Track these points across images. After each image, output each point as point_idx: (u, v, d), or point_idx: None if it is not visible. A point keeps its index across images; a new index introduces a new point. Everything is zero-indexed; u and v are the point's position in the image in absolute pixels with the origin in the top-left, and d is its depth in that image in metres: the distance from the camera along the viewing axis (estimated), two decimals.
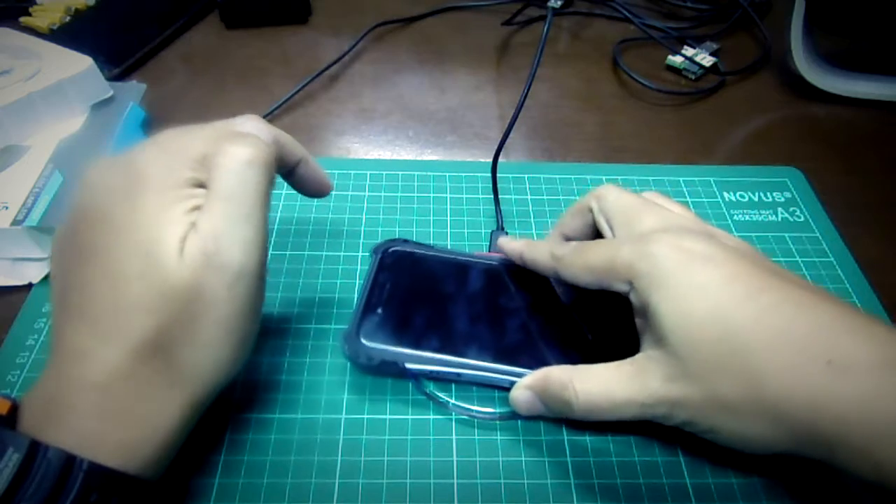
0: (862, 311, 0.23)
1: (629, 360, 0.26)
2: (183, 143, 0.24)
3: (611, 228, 0.28)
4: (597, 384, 0.25)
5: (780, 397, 0.22)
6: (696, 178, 0.42)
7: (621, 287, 0.26)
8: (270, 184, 0.25)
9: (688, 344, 0.24)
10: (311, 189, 0.30)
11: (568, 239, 0.31)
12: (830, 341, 0.22)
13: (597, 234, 0.30)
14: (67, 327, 0.22)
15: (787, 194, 0.41)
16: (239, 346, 0.24)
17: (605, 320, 0.31)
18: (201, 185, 0.24)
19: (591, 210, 0.30)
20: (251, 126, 0.26)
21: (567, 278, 0.28)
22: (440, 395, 0.29)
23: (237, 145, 0.24)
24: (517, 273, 0.33)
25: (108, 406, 0.21)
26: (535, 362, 0.29)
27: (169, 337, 0.22)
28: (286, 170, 0.28)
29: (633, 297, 0.26)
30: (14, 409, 0.21)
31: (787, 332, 0.22)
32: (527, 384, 0.27)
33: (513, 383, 0.28)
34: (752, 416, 0.23)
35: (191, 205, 0.23)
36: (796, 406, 0.22)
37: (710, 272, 0.24)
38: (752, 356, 0.22)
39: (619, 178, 0.41)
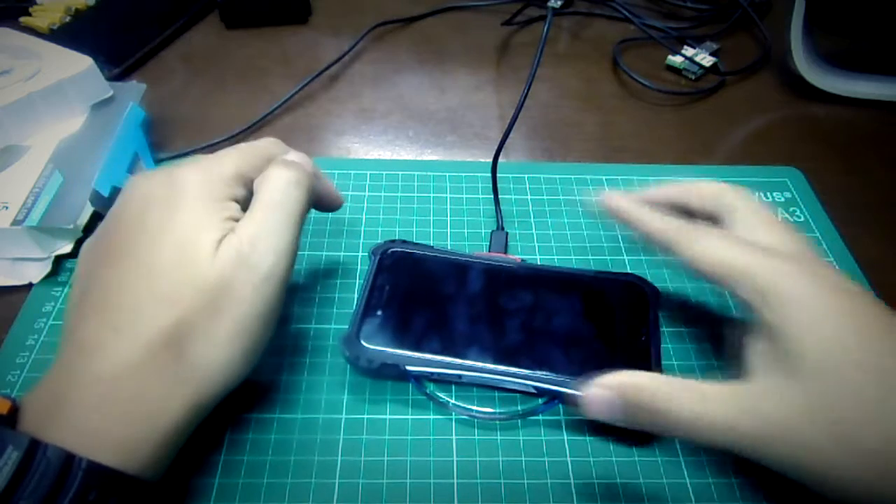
0: None
1: (739, 382, 0.24)
2: (219, 162, 0.27)
3: (730, 223, 0.28)
4: (696, 401, 0.23)
5: None
6: (696, 178, 0.42)
7: (748, 297, 0.24)
8: (308, 207, 0.28)
9: (831, 376, 0.21)
10: (325, 203, 0.31)
11: (673, 207, 0.30)
12: None
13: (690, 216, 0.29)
14: (82, 323, 0.23)
15: (787, 194, 0.41)
16: (249, 351, 0.24)
17: (607, 321, 0.31)
18: (235, 201, 0.26)
19: (719, 198, 0.29)
20: (296, 156, 0.29)
21: (682, 256, 0.26)
22: (440, 395, 0.29)
23: (287, 168, 0.27)
24: (517, 273, 0.33)
25: (112, 400, 0.21)
26: (537, 364, 0.29)
27: (186, 329, 0.23)
28: None
29: (763, 315, 0.24)
30: (14, 409, 0.21)
31: None
32: (609, 383, 0.24)
33: (515, 385, 0.29)
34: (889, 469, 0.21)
35: (226, 215, 0.25)
36: None
37: (852, 304, 0.23)
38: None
39: (619, 177, 0.41)
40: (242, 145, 0.28)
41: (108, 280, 0.24)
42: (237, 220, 0.25)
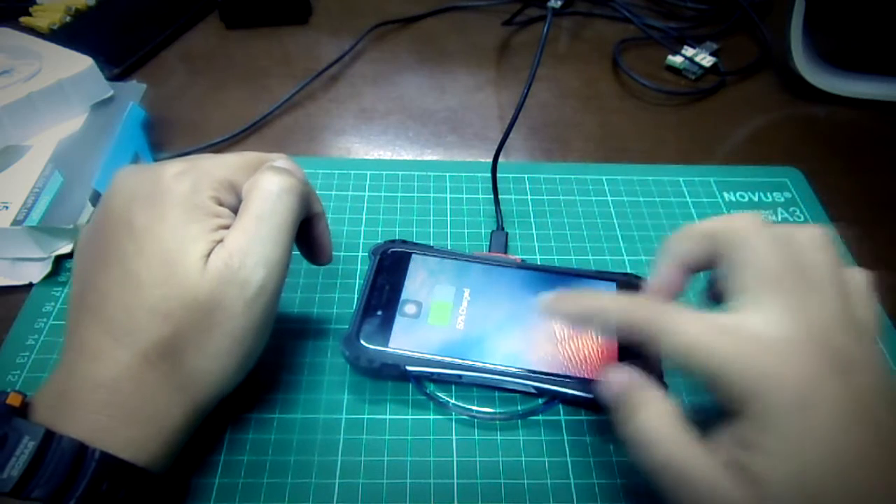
0: None
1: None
2: (210, 165, 0.26)
3: (737, 290, 0.22)
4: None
5: None
6: (696, 178, 0.42)
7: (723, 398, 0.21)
8: (301, 214, 0.26)
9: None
10: (317, 247, 0.29)
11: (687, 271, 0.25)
12: None
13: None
14: (81, 326, 0.23)
15: (787, 194, 0.41)
16: (246, 359, 0.25)
17: None
18: (221, 205, 0.25)
19: (716, 245, 0.23)
20: (285, 163, 0.27)
21: (651, 344, 0.22)
22: (440, 395, 0.29)
23: (277, 174, 0.25)
24: (517, 273, 0.33)
25: (116, 404, 0.22)
26: (538, 363, 0.29)
27: (181, 344, 0.23)
28: (305, 218, 0.28)
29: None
30: (25, 403, 0.22)
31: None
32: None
33: (515, 385, 0.29)
34: None
35: (213, 223, 0.24)
36: None
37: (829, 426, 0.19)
38: None
39: (619, 177, 0.41)
40: (241, 153, 0.28)
41: (101, 287, 0.23)
42: (226, 227, 0.25)
